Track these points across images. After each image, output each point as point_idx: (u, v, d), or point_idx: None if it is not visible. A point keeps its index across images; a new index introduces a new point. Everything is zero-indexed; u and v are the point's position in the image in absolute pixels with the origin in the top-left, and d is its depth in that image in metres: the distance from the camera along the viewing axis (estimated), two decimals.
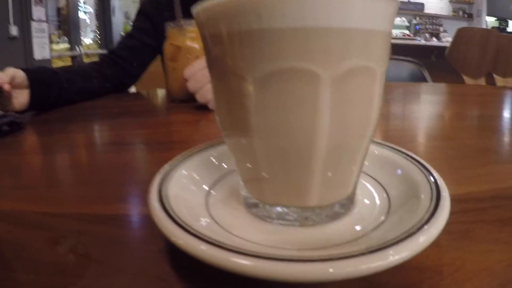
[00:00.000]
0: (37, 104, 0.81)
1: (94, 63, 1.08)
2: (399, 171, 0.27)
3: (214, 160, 0.31)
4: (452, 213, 0.21)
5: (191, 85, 0.68)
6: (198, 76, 0.68)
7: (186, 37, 0.76)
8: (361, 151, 0.23)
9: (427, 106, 0.80)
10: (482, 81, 3.02)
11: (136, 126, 0.65)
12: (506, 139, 0.56)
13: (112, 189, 0.35)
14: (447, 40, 6.82)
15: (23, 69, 0.82)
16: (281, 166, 0.22)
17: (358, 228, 0.23)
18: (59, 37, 5.31)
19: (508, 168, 0.41)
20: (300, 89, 0.19)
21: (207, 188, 0.28)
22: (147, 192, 0.23)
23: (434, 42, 6.31)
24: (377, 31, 0.20)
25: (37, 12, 3.51)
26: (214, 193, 0.27)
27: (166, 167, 0.27)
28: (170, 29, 0.78)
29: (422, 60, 3.59)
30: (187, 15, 0.80)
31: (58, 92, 0.87)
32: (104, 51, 5.93)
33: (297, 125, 0.20)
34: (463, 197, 0.27)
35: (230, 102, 0.23)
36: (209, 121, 0.64)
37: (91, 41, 6.14)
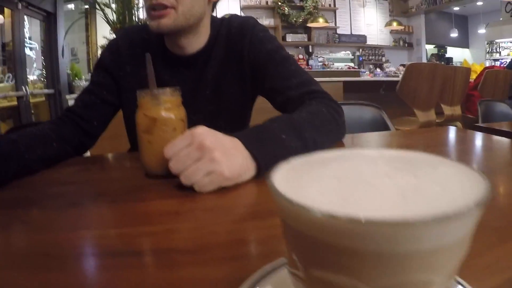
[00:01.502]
0: None
1: (52, 123, 1.02)
2: None
3: None
4: None
5: (174, 166, 0.64)
6: (181, 157, 0.64)
7: (161, 108, 0.72)
8: None
9: None
10: (431, 112, 3.15)
11: (115, 221, 0.58)
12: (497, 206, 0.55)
13: None
14: (390, 70, 7.13)
15: None
16: None
17: None
18: (4, 74, 5.10)
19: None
20: None
21: None
22: None
23: (382, 76, 6.55)
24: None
25: None
26: None
27: None
28: (143, 98, 0.74)
29: (371, 94, 3.72)
30: (160, 83, 0.77)
31: (18, 163, 0.80)
32: (50, 91, 5.75)
33: None
34: None
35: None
36: (202, 212, 0.59)
37: (37, 79, 5.93)
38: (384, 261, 0.18)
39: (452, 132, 1.22)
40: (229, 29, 1.09)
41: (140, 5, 2.61)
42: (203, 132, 0.65)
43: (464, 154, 0.93)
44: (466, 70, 3.75)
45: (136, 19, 2.55)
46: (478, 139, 1.10)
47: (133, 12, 2.49)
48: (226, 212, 0.58)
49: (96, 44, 7.37)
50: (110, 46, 1.12)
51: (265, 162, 0.68)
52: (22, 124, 4.11)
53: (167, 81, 1.03)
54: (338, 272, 0.19)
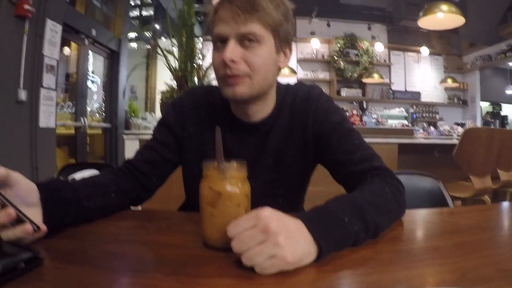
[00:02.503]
0: (51, 224, 0.76)
1: (113, 173, 1.05)
2: None
3: None
4: None
5: (237, 246, 0.64)
6: (245, 237, 0.63)
7: (227, 182, 0.72)
8: None
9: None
10: (488, 179, 3.02)
11: None
12: None
13: None
14: (444, 128, 6.96)
15: (37, 184, 0.78)
16: None
17: None
18: (64, 101, 5.38)
19: None
20: None
21: None
22: None
23: (436, 135, 6.45)
24: None
25: (48, 79, 3.63)
26: None
27: None
28: (209, 170, 0.75)
29: (425, 155, 3.64)
30: (223, 147, 0.77)
31: (76, 210, 0.84)
32: (107, 125, 5.98)
33: None
34: None
35: None
36: None
37: (95, 112, 6.22)
38: None
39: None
40: (294, 98, 1.10)
41: (200, 54, 2.69)
42: (268, 215, 0.65)
43: None
44: None
45: (197, 68, 2.63)
46: None
47: (195, 61, 2.58)
48: None
49: (155, 85, 7.69)
50: (175, 106, 1.15)
51: (326, 246, 0.67)
52: (77, 163, 4.28)
53: (230, 146, 1.05)
54: None
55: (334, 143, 1.04)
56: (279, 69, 1.05)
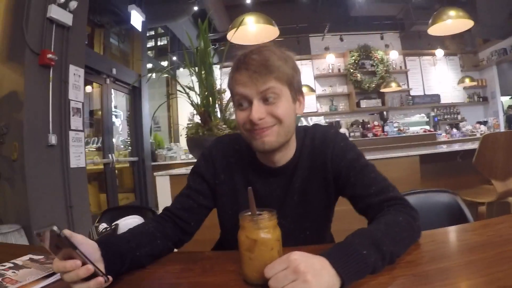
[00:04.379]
0: (112, 275, 0.90)
1: (155, 221, 1.19)
2: None
3: None
4: None
5: (273, 285, 0.76)
6: (279, 277, 0.76)
7: (261, 231, 0.86)
8: None
9: None
10: (510, 181, 3.05)
11: None
12: None
13: None
14: (467, 129, 6.93)
15: (97, 242, 0.94)
16: None
17: None
18: (90, 137, 5.56)
19: None
20: None
21: None
22: None
23: (459, 137, 6.42)
24: None
25: (75, 121, 3.85)
26: None
27: None
28: (245, 221, 0.88)
29: (448, 163, 3.65)
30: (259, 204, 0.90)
31: (131, 260, 0.98)
32: (134, 159, 6.13)
33: None
34: None
35: None
36: None
37: (121, 145, 6.38)
38: None
39: None
40: (313, 140, 1.22)
41: (221, 88, 2.75)
42: (297, 258, 0.77)
43: None
44: None
45: (219, 101, 2.70)
46: None
47: (215, 95, 2.66)
48: None
49: (178, 115, 7.84)
50: (205, 156, 1.28)
51: (348, 277, 0.79)
52: (116, 206, 4.41)
53: (258, 189, 1.18)
54: None
55: (352, 178, 1.15)
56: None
